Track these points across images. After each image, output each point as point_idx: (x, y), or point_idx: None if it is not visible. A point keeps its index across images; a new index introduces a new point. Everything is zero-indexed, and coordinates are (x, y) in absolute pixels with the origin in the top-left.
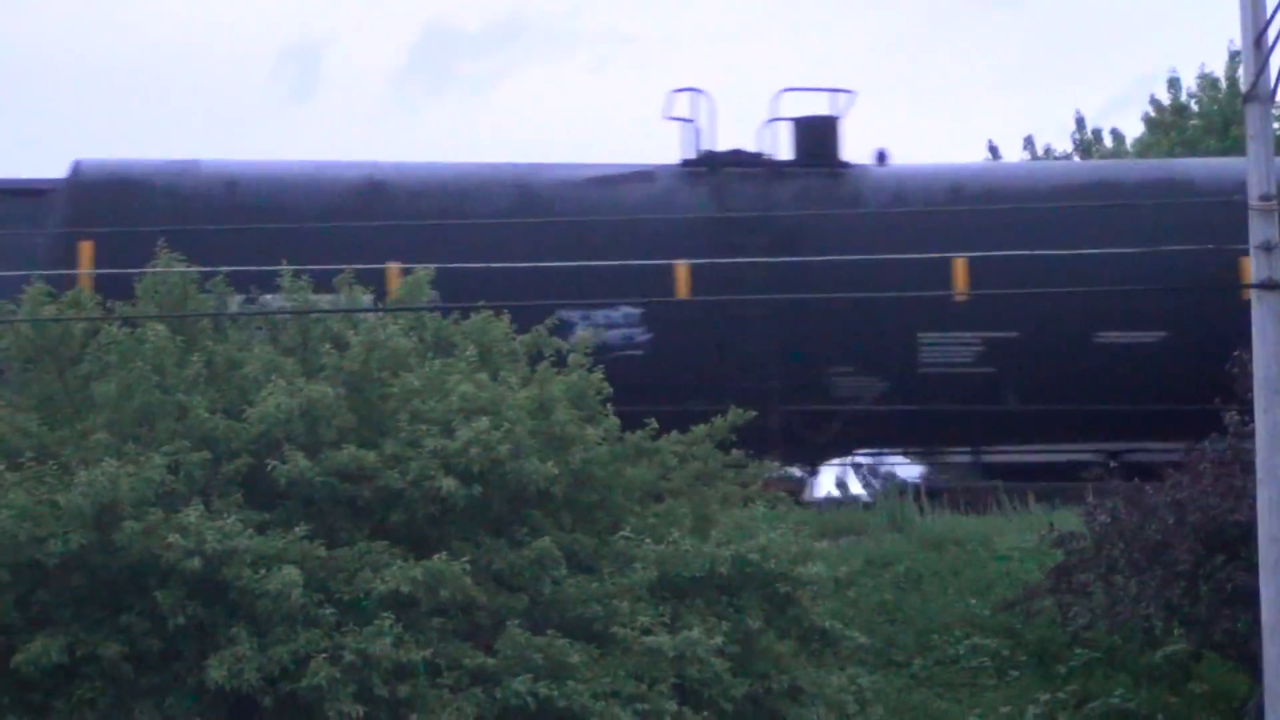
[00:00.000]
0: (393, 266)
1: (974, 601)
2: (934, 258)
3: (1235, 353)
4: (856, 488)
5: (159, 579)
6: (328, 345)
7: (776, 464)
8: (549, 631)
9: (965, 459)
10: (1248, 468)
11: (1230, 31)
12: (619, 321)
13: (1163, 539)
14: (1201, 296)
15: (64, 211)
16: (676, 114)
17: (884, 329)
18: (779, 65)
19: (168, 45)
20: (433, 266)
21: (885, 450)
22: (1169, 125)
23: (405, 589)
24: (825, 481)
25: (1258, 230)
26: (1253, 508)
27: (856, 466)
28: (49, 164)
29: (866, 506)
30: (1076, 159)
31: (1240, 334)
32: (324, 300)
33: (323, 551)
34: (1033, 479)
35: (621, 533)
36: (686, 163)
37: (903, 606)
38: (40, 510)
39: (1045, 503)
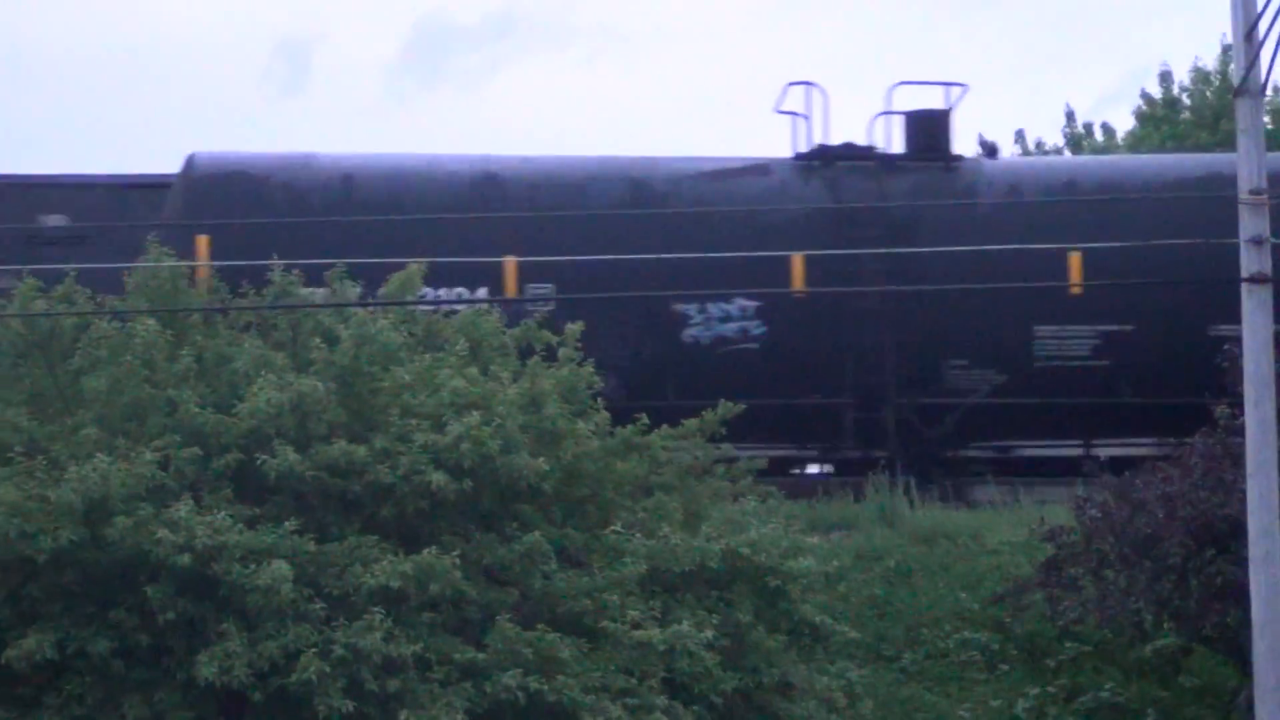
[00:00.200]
0: (509, 260)
1: (964, 595)
2: (1049, 251)
3: (1225, 346)
4: None
5: (149, 574)
6: (318, 340)
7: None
8: (539, 626)
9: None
10: (1237, 461)
11: (1223, 25)
12: (734, 315)
13: (1153, 533)
14: None
15: (180, 205)
16: (787, 108)
17: (999, 322)
18: (769, 60)
19: (161, 39)
20: (548, 259)
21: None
22: (1160, 119)
23: (395, 584)
24: None
25: (1248, 224)
26: (1242, 501)
27: None
28: (41, 159)
29: None
30: (1067, 154)
31: None
32: (316, 294)
33: (312, 546)
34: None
35: (612, 527)
36: (799, 156)
37: (892, 600)
38: (30, 506)
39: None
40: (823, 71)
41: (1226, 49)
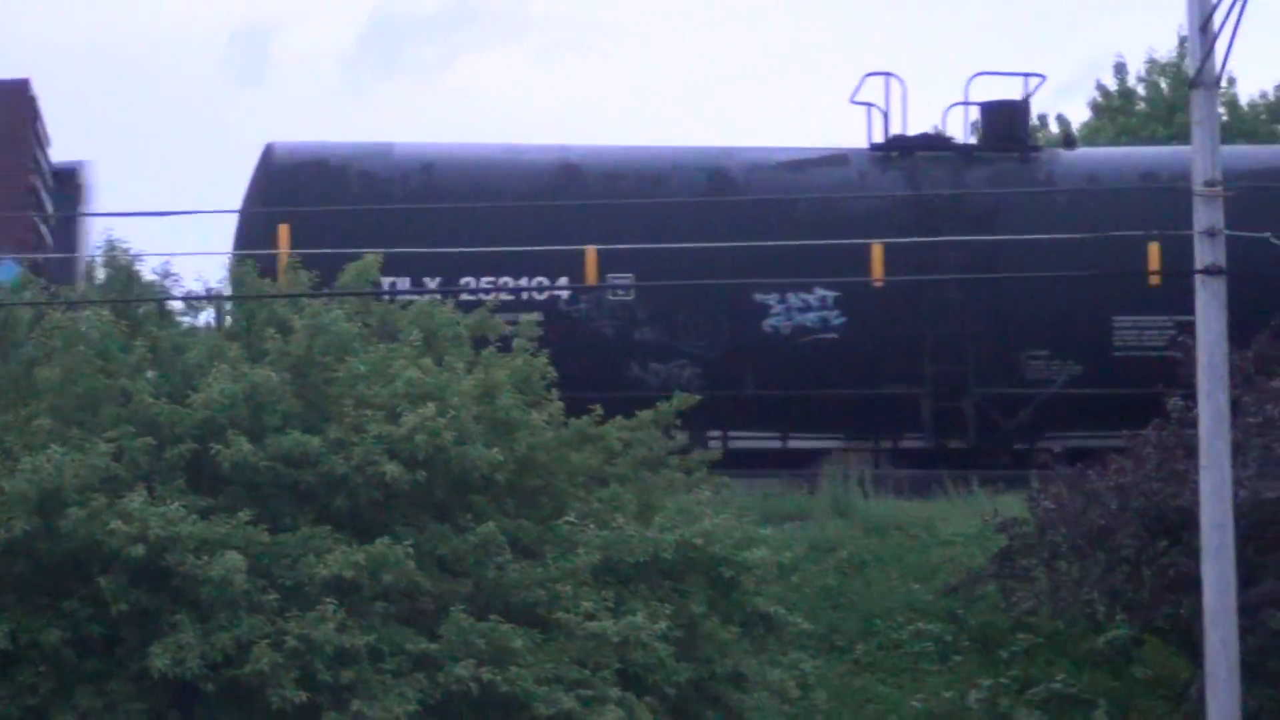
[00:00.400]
0: (590, 249)
1: (917, 587)
2: (1128, 241)
3: (1179, 338)
4: None
5: (102, 565)
6: (272, 330)
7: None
8: (492, 617)
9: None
10: (1191, 452)
11: (1179, 17)
12: (814, 305)
13: (1106, 524)
14: None
15: (259, 194)
16: (862, 98)
17: (1078, 312)
18: (726, 52)
19: (119, 28)
20: (628, 247)
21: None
22: (1115, 111)
23: (348, 574)
24: None
25: (1202, 216)
26: (1195, 492)
27: None
28: None
29: None
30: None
31: None
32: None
33: (266, 537)
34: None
35: (565, 518)
36: (876, 147)
37: (846, 592)
38: None
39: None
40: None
41: (1183, 41)
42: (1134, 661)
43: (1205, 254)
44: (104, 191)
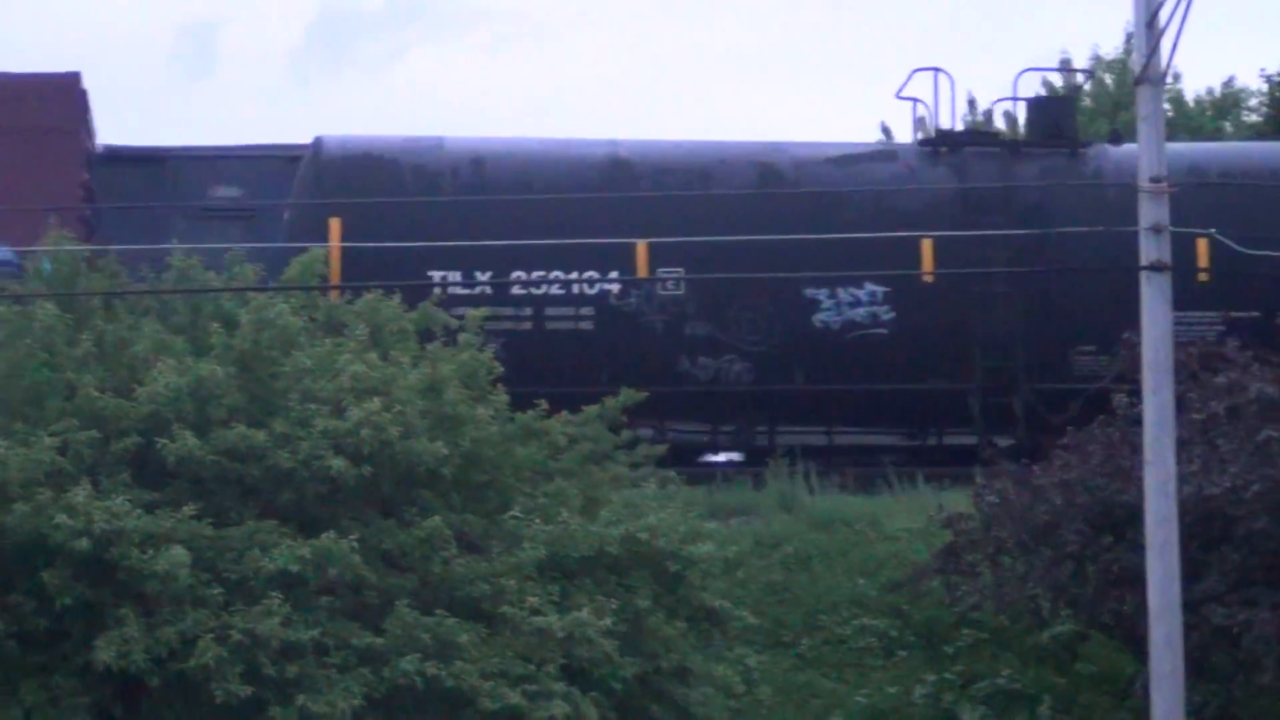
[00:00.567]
0: (640, 242)
1: (862, 582)
2: (1175, 237)
3: (1125, 335)
4: None
5: (47, 559)
6: (217, 324)
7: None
8: (438, 611)
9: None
10: (1136, 449)
11: (1125, 14)
12: (864, 300)
13: (1051, 520)
14: None
15: (310, 188)
16: (909, 93)
17: (1126, 309)
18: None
19: (65, 19)
20: (679, 240)
21: None
22: None
23: (294, 568)
24: None
25: (1148, 212)
26: (1140, 489)
27: None
28: None
29: None
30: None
31: None
32: (214, 279)
33: (211, 531)
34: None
35: (511, 512)
36: (924, 142)
37: (791, 587)
38: None
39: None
40: (725, 57)
41: (1129, 37)
42: (1079, 657)
43: (1150, 250)
44: None
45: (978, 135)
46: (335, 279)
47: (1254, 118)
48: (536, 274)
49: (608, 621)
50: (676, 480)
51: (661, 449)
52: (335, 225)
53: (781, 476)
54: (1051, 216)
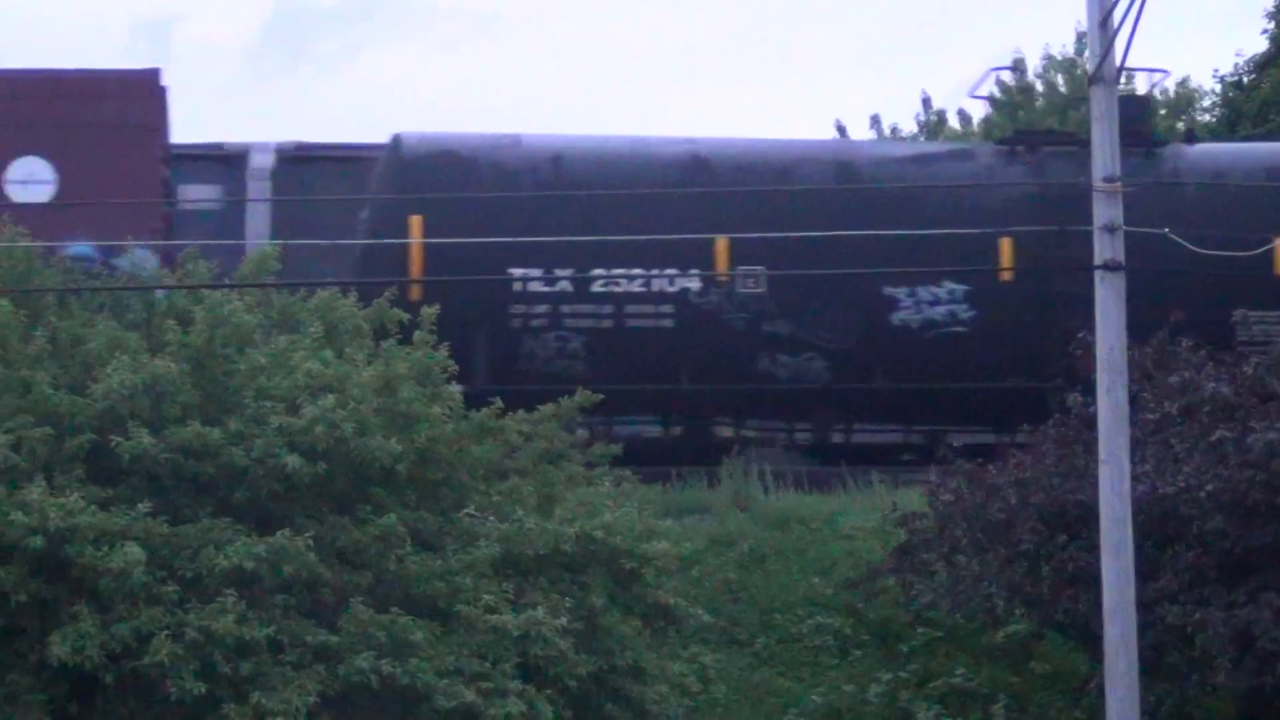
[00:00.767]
0: (720, 239)
1: (817, 580)
2: (1254, 236)
3: (1080, 334)
4: None
5: (1, 556)
6: (172, 321)
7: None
8: (393, 609)
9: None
10: (1090, 448)
11: (1079, 13)
12: (943, 298)
13: (1005, 519)
14: None
15: (390, 185)
16: (983, 92)
17: (1201, 306)
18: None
19: (17, 14)
20: (759, 235)
21: None
22: (1016, 106)
23: (248, 565)
24: None
25: (1102, 211)
26: (1095, 488)
27: None
28: None
29: None
30: (922, 139)
31: None
32: (168, 276)
33: (166, 528)
34: None
35: (466, 510)
36: (1001, 141)
37: (746, 585)
38: None
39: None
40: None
41: (1081, 36)
42: (1033, 656)
43: (1105, 249)
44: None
45: (1055, 135)
46: (416, 275)
47: (1207, 118)
48: (617, 272)
49: (563, 620)
50: (632, 479)
51: (617, 448)
52: (416, 222)
53: (736, 475)
54: (1127, 216)
